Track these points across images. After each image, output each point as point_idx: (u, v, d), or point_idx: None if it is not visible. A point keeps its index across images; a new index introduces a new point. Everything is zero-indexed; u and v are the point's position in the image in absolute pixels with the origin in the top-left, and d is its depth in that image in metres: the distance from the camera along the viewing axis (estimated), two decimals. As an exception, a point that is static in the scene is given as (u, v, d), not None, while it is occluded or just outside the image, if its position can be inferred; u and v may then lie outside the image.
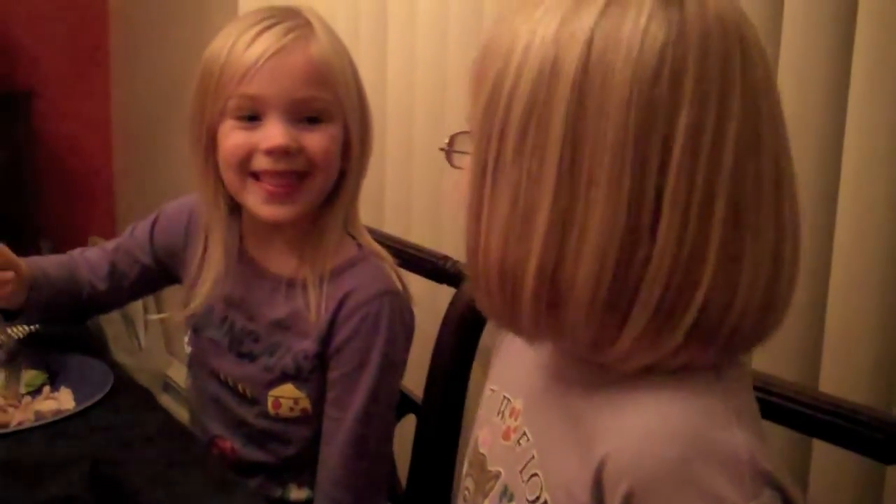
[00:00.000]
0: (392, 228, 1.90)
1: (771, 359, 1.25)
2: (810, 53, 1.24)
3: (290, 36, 1.24)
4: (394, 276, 1.32)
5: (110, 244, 1.49)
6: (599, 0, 0.72)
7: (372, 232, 1.41)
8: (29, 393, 1.38)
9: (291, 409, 1.31)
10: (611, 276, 0.71)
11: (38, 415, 1.32)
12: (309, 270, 1.30)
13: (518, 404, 0.89)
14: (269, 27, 1.24)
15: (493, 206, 0.75)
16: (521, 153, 0.73)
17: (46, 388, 1.38)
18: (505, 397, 0.92)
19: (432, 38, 1.83)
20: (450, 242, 1.74)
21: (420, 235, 1.84)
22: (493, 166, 0.75)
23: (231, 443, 1.37)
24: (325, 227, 1.31)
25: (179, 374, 2.66)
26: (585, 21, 0.71)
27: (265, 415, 1.33)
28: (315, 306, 1.28)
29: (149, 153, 3.22)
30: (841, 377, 1.23)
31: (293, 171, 1.25)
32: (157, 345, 3.00)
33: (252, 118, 1.25)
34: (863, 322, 1.21)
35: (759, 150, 0.72)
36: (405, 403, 1.45)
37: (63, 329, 1.56)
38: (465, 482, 0.95)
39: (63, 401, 1.35)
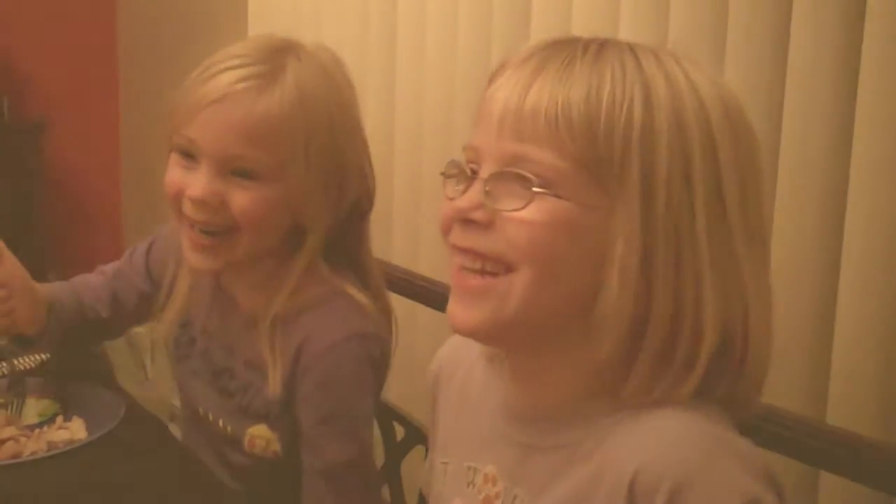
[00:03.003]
0: (400, 258, 1.91)
1: (778, 391, 1.26)
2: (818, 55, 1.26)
3: (242, 85, 1.15)
4: (367, 317, 1.24)
5: (109, 269, 1.47)
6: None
7: (380, 263, 1.39)
8: (41, 423, 1.39)
9: (264, 449, 1.27)
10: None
11: (51, 445, 1.32)
12: (266, 312, 1.24)
13: (490, 470, 0.88)
14: (232, 67, 1.16)
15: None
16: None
17: (59, 418, 1.39)
18: (470, 467, 0.90)
19: (441, 66, 1.85)
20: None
21: (429, 265, 1.84)
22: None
23: (211, 459, 1.35)
24: (286, 274, 1.23)
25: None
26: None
27: (243, 452, 1.29)
28: (269, 349, 1.22)
29: (157, 184, 3.24)
30: (847, 409, 1.24)
31: (216, 225, 1.18)
32: (163, 374, 3.00)
33: (190, 156, 1.19)
34: (869, 355, 1.22)
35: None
36: (414, 435, 1.45)
37: (74, 358, 1.57)
38: None
39: (75, 430, 1.36)
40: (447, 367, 0.98)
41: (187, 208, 1.19)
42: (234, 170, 1.16)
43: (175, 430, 1.52)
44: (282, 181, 1.17)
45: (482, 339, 0.86)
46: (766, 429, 1.07)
